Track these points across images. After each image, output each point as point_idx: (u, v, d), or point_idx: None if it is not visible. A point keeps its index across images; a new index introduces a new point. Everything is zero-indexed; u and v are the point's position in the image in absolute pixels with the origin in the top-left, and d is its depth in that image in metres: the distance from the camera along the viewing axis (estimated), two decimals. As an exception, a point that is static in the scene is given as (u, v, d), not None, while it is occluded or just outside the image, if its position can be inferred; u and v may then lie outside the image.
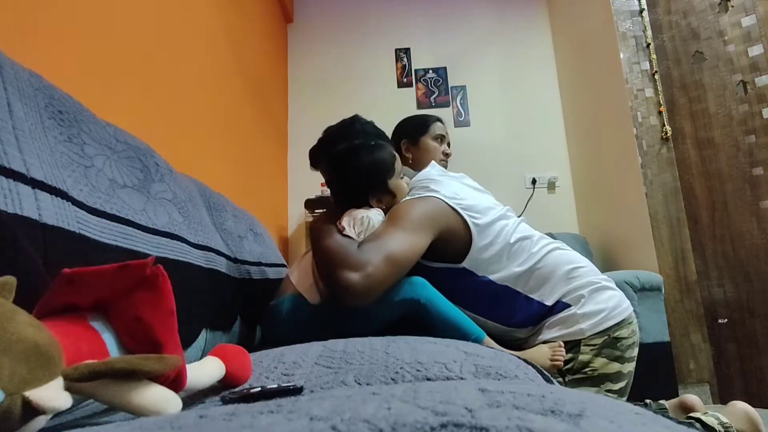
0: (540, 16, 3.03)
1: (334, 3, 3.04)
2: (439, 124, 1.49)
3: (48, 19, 0.87)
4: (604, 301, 1.06)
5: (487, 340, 1.00)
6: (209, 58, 1.68)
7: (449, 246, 1.10)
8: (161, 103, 1.30)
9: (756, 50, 1.92)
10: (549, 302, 1.07)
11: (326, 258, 0.98)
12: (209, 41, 1.68)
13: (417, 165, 1.48)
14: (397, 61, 2.98)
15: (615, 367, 1.02)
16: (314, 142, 1.23)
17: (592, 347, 1.02)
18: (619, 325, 1.05)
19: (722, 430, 1.00)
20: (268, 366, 0.62)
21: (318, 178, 1.31)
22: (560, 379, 1.03)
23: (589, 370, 1.01)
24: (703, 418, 1.03)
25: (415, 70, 2.96)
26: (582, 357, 1.02)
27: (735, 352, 1.87)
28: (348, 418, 0.21)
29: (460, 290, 1.10)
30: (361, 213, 1.06)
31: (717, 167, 1.98)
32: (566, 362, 1.02)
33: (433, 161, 1.31)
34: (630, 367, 1.06)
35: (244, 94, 2.07)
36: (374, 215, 1.07)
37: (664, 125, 2.09)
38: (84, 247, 0.62)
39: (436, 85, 2.93)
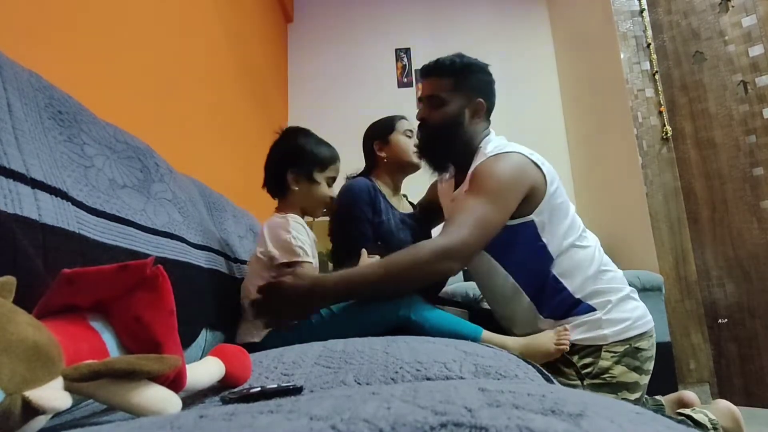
0: (540, 16, 3.03)
1: (334, 3, 3.04)
2: (404, 121, 1.51)
3: (48, 19, 0.87)
4: (629, 310, 1.06)
5: (486, 333, 1.00)
6: (209, 58, 1.68)
7: (524, 200, 1.07)
8: (161, 103, 1.29)
9: (756, 50, 1.92)
10: (576, 294, 1.06)
11: (411, 275, 0.96)
12: (209, 41, 1.68)
13: (392, 162, 1.48)
14: (397, 61, 2.98)
15: (633, 377, 1.02)
16: None
17: (613, 354, 1.02)
18: (641, 336, 1.04)
19: (711, 426, 1.02)
20: (267, 366, 0.62)
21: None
22: (578, 383, 1.02)
23: (608, 377, 1.01)
24: (693, 414, 1.05)
25: (415, 70, 2.95)
26: (602, 363, 1.01)
27: (735, 352, 1.87)
28: (348, 418, 0.21)
29: (515, 250, 1.08)
30: (285, 234, 1.04)
31: (717, 167, 1.98)
32: (585, 366, 1.02)
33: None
34: (646, 379, 1.05)
35: (244, 94, 2.07)
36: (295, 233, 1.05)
37: (664, 125, 2.09)
38: (84, 247, 0.62)
39: (436, 85, 2.93)
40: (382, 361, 0.58)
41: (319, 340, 0.93)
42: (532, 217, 1.07)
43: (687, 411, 1.08)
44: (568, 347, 1.01)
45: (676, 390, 1.73)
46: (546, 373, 0.60)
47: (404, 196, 1.56)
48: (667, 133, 2.07)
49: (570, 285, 1.07)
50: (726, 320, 1.89)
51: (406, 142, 1.46)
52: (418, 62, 2.97)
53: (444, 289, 1.92)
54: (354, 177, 1.53)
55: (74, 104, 0.72)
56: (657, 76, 2.12)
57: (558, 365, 1.02)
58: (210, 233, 1.09)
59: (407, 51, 2.99)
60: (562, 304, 1.07)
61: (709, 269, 1.96)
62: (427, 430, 0.20)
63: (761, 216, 1.85)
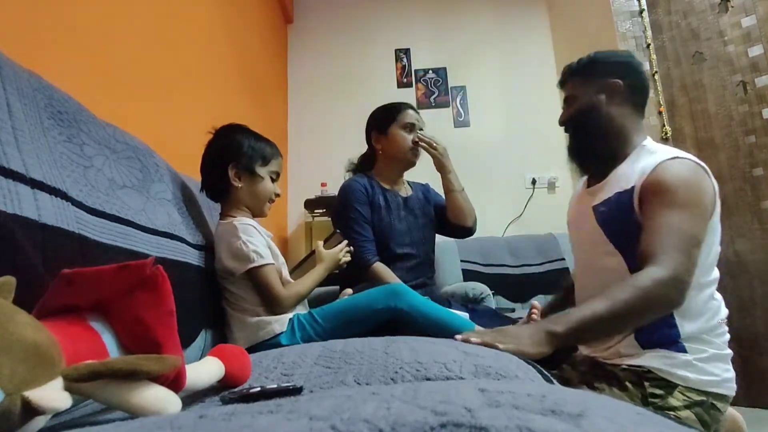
0: (540, 16, 3.03)
1: (334, 3, 3.04)
2: (409, 111, 1.45)
3: (48, 20, 0.87)
4: (722, 370, 0.94)
5: (479, 329, 0.96)
6: (209, 59, 1.68)
7: None
8: (161, 103, 1.29)
9: (756, 51, 1.92)
10: (681, 338, 0.92)
11: (637, 308, 0.83)
12: (209, 42, 1.68)
13: (386, 156, 1.45)
14: (397, 61, 2.98)
15: (698, 429, 0.89)
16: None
17: (686, 398, 0.90)
18: (722, 397, 0.93)
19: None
20: (267, 366, 0.62)
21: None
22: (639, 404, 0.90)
23: (674, 415, 0.89)
24: None
25: (415, 71, 2.96)
26: (672, 401, 0.90)
27: (735, 352, 1.86)
28: (347, 418, 0.21)
29: None
30: (235, 241, 0.99)
31: (717, 167, 1.98)
32: (653, 395, 0.90)
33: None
34: None
35: (244, 95, 2.07)
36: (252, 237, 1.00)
37: (664, 125, 2.09)
38: (83, 247, 0.62)
39: (435, 86, 2.93)
40: (382, 362, 0.58)
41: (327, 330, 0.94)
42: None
43: None
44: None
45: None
46: (546, 373, 0.60)
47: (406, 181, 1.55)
48: (666, 134, 2.07)
49: (682, 327, 0.92)
50: (726, 320, 1.89)
51: (404, 138, 1.42)
52: (417, 62, 2.97)
53: (444, 289, 1.92)
54: (353, 166, 1.55)
55: (74, 104, 0.72)
56: (656, 77, 2.12)
57: (626, 381, 0.92)
58: (209, 233, 1.09)
59: (407, 51, 2.99)
60: (658, 337, 0.93)
61: (709, 269, 1.96)
62: (427, 430, 0.20)
63: (761, 216, 1.85)
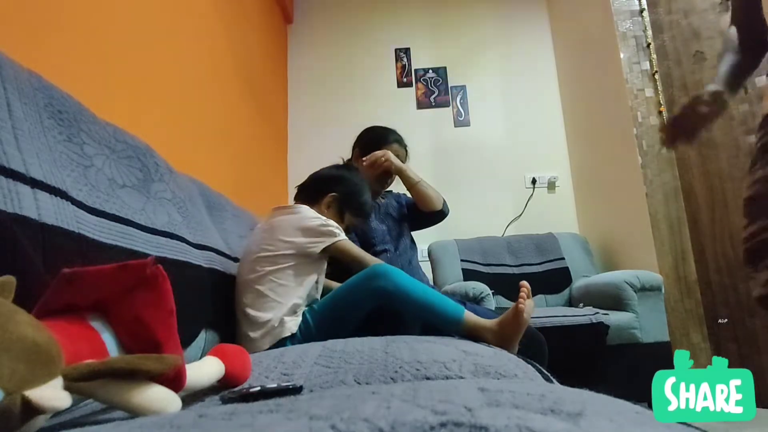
0: (540, 16, 3.02)
1: (334, 3, 3.04)
2: (394, 145, 1.52)
3: (48, 19, 0.87)
4: None
5: (467, 314, 0.95)
6: (209, 59, 1.68)
7: None
8: (161, 103, 1.29)
9: (756, 50, 1.92)
10: None
11: None
12: (209, 42, 1.68)
13: (365, 175, 1.49)
14: (397, 61, 2.98)
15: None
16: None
17: None
18: None
19: None
20: (267, 366, 0.62)
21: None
22: None
23: None
24: None
25: (415, 70, 2.95)
26: None
27: (735, 352, 1.86)
28: (347, 417, 0.21)
29: None
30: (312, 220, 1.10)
31: (717, 167, 1.98)
32: None
33: None
34: None
35: (244, 94, 2.06)
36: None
37: (664, 125, 2.09)
38: (83, 246, 0.62)
39: (435, 85, 2.93)
40: (382, 361, 0.58)
41: (316, 339, 0.94)
42: None
43: None
44: (523, 306, 0.91)
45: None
46: (546, 372, 0.60)
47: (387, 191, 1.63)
48: (666, 133, 2.07)
49: None
50: (726, 320, 1.89)
51: (375, 170, 1.47)
52: (418, 62, 2.97)
53: (444, 289, 1.92)
54: None
55: (74, 104, 0.72)
56: (657, 76, 2.12)
57: None
58: (210, 233, 1.09)
59: (407, 51, 2.98)
60: None
61: (709, 269, 1.96)
62: (426, 429, 0.20)
63: (761, 216, 1.85)
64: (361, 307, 0.99)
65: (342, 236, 1.09)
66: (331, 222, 1.10)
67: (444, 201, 1.58)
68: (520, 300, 0.91)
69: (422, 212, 1.57)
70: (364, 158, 1.50)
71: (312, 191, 1.22)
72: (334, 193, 1.19)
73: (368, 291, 0.98)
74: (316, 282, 1.10)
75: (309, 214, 1.11)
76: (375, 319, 1.00)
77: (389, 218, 1.57)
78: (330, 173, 1.27)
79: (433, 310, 0.96)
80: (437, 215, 1.58)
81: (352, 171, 1.30)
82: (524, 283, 0.96)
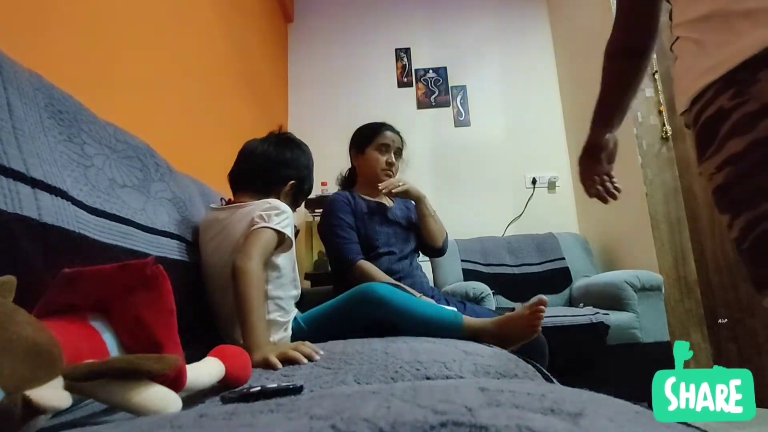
0: (540, 16, 3.02)
1: (334, 3, 3.04)
2: (386, 133, 1.49)
3: (48, 19, 0.87)
4: None
5: (466, 320, 0.98)
6: (209, 58, 1.68)
7: None
8: (161, 103, 1.29)
9: (756, 50, 1.92)
10: None
11: None
12: (209, 41, 1.68)
13: (362, 176, 1.53)
14: (397, 61, 2.98)
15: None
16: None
17: None
18: None
19: None
20: (268, 366, 0.62)
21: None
22: None
23: None
24: None
25: (415, 70, 2.95)
26: None
27: (735, 352, 1.86)
28: (347, 417, 0.21)
29: None
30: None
31: (717, 167, 1.98)
32: None
33: None
34: None
35: (244, 94, 2.06)
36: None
37: (664, 125, 2.09)
38: (83, 246, 0.62)
39: (436, 85, 2.93)
40: (382, 361, 0.58)
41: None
42: None
43: None
44: (540, 328, 0.96)
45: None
46: (546, 372, 0.60)
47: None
48: (666, 133, 2.07)
49: None
50: (726, 320, 1.89)
51: (377, 159, 1.47)
52: (418, 62, 2.96)
53: (444, 289, 1.92)
54: (342, 179, 1.64)
55: (74, 104, 0.72)
56: (657, 76, 2.12)
57: None
58: (210, 233, 1.09)
59: (407, 51, 2.98)
60: None
61: (709, 269, 1.96)
62: (426, 429, 0.20)
63: (761, 216, 1.85)
64: (355, 329, 0.98)
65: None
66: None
67: (446, 238, 1.57)
68: (537, 322, 0.96)
69: (422, 242, 1.56)
70: (380, 185, 1.44)
71: (271, 178, 1.07)
72: (293, 181, 1.08)
73: (360, 316, 0.97)
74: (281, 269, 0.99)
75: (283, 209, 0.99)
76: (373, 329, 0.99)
77: (396, 223, 1.53)
78: (283, 156, 1.09)
79: (430, 324, 0.96)
80: (436, 251, 1.58)
81: (294, 148, 1.13)
82: (544, 299, 0.98)
